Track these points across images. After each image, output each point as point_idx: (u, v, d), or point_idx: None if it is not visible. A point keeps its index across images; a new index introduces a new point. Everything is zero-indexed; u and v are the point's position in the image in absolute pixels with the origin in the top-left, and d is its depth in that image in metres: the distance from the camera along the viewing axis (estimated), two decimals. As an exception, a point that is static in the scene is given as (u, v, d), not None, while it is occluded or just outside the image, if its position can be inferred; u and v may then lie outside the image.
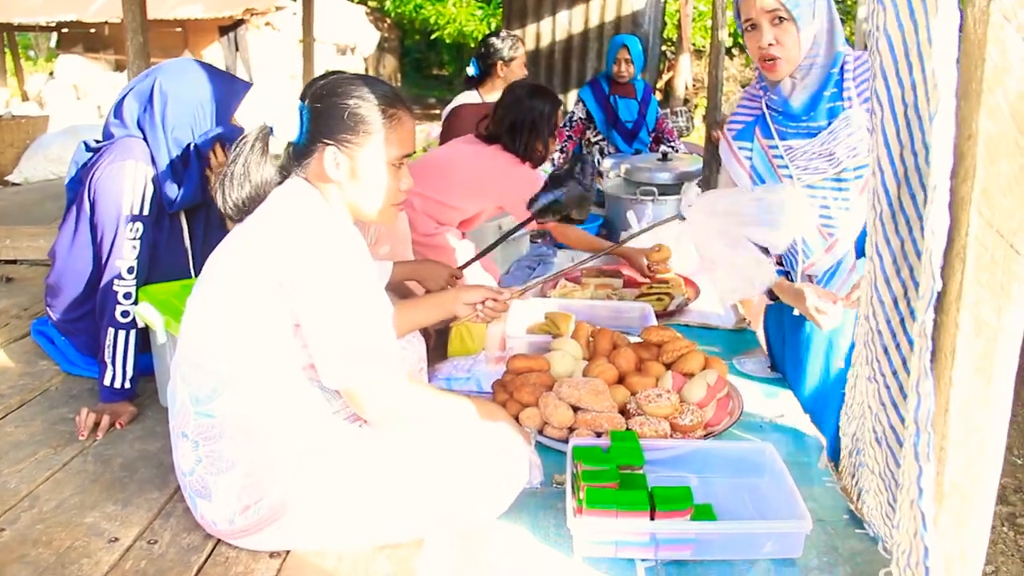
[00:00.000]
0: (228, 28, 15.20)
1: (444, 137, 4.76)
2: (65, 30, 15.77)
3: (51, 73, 15.83)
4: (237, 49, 15.17)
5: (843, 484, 2.18)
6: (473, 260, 3.21)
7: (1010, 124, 1.23)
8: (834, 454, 2.52)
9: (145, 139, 2.65)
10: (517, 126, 3.49)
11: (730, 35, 4.87)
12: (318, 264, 1.80)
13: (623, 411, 2.40)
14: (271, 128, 1.96)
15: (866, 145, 2.44)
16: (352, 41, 18.50)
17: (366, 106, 1.93)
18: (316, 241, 1.81)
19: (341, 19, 17.47)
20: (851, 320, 2.57)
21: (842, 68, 2.44)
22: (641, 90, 5.72)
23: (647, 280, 3.65)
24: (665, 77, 9.14)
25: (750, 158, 2.63)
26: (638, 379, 2.48)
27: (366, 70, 19.11)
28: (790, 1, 2.32)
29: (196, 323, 1.92)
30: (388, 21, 19.36)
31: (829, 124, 2.46)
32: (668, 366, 2.61)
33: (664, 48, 9.01)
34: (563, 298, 3.41)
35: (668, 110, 6.56)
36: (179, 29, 15.42)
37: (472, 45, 17.14)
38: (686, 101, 8.99)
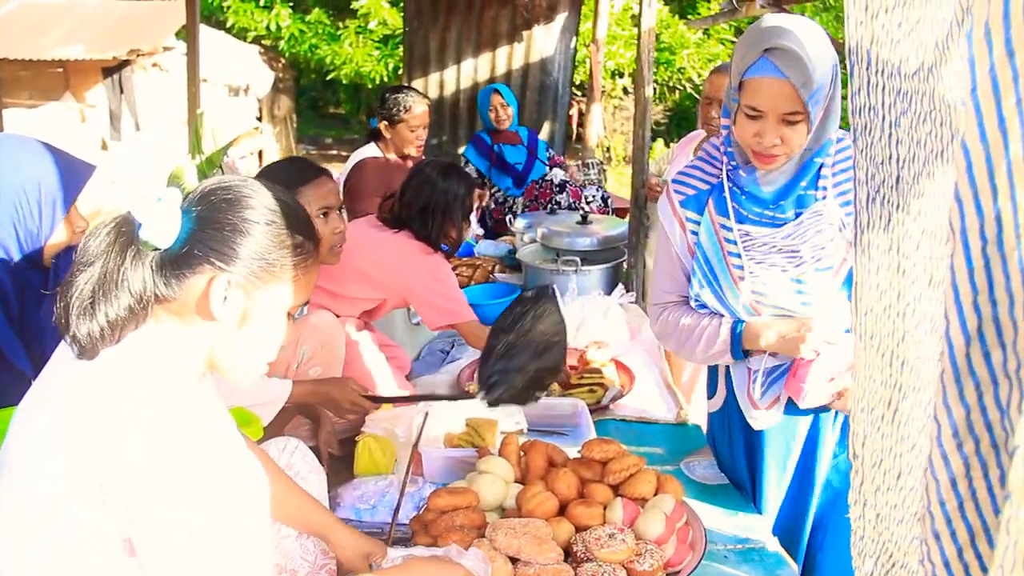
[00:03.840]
0: (112, 69, 14.43)
1: (347, 195, 4.36)
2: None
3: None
4: (122, 92, 14.41)
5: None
6: (399, 401, 2.81)
7: None
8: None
9: None
10: (429, 210, 3.09)
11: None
12: (155, 471, 1.27)
13: (567, 551, 2.03)
14: (137, 221, 1.36)
15: (836, 245, 2.12)
16: (245, 82, 17.91)
17: (281, 236, 1.43)
18: (151, 439, 1.27)
19: (233, 59, 16.89)
20: (824, 429, 2.26)
21: None
22: (526, 137, 5.54)
23: (576, 368, 3.28)
24: (573, 112, 8.94)
25: (696, 232, 2.24)
26: (583, 510, 2.11)
27: (260, 110, 18.56)
28: (812, 98, 1.93)
29: None
30: (283, 61, 18.80)
31: (797, 216, 2.11)
32: (615, 487, 2.26)
33: (573, 98, 8.82)
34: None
35: (580, 162, 6.27)
36: (60, 70, 14.61)
37: (369, 86, 16.75)
38: (599, 146, 8.76)
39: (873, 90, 1.63)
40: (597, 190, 5.40)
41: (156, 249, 1.36)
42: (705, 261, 2.23)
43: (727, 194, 2.18)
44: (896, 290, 1.58)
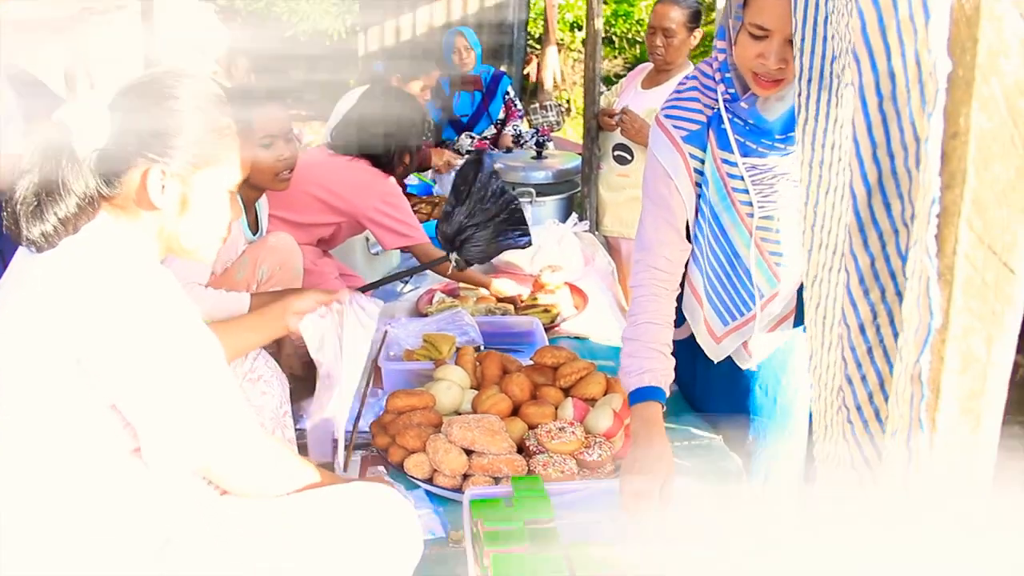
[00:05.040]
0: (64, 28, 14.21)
1: None
2: None
3: None
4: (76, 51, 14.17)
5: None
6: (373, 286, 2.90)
7: (1006, 119, 0.99)
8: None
9: None
10: (381, 135, 3.15)
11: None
12: (128, 331, 1.36)
13: (521, 447, 2.14)
14: (66, 124, 1.42)
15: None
16: (201, 41, 17.68)
17: (209, 120, 1.50)
18: (120, 304, 1.37)
19: (188, 18, 16.65)
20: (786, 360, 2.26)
21: None
22: (488, 80, 5.54)
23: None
24: (531, 69, 8.96)
25: (700, 171, 2.08)
26: (535, 409, 2.22)
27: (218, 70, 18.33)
28: None
29: None
30: (239, 19, 18.58)
31: None
32: (566, 391, 2.36)
33: (530, 52, 8.82)
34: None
35: (537, 104, 6.32)
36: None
37: (328, 43, 16.55)
38: (558, 97, 8.79)
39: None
40: (533, 133, 5.40)
41: (90, 150, 1.42)
42: (707, 200, 2.10)
43: (727, 126, 2.01)
44: (825, 183, 1.67)
